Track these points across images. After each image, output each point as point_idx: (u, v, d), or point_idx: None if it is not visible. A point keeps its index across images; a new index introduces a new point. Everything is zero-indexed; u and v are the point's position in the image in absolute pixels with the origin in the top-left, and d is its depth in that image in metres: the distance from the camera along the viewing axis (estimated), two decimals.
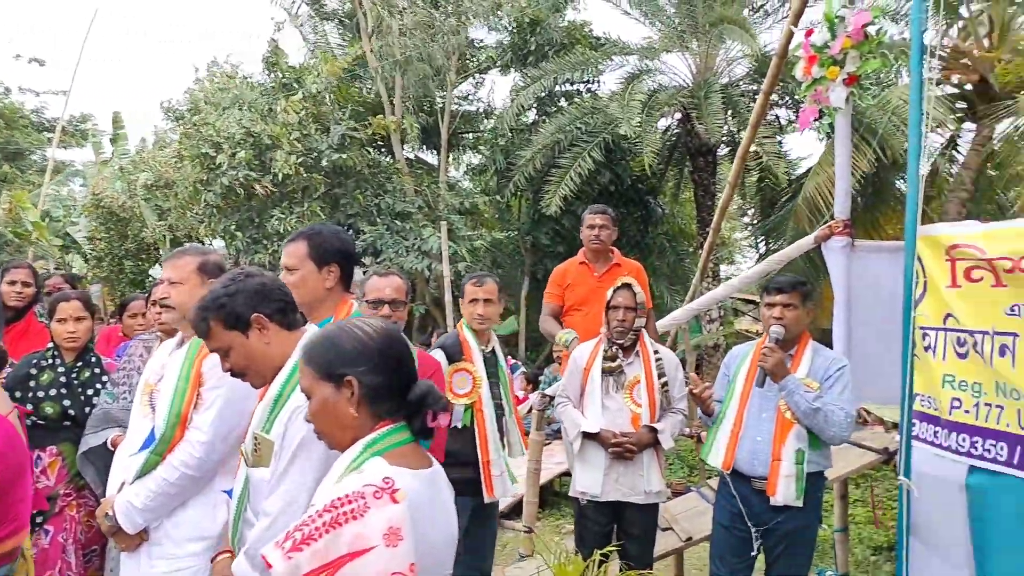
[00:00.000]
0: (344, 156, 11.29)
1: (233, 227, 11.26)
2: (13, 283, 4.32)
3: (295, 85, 12.49)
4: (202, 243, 13.15)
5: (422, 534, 1.48)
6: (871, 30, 4.50)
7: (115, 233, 14.36)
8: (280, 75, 12.97)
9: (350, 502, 1.41)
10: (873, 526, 5.85)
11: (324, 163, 11.30)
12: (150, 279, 14.78)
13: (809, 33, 4.84)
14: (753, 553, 3.34)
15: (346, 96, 12.90)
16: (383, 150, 13.85)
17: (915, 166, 2.93)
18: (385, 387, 1.61)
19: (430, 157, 15.75)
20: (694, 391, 3.46)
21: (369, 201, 11.94)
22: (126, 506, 2.44)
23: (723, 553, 3.46)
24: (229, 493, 2.18)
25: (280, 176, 10.85)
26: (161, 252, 13.84)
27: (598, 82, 14.14)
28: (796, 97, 13.10)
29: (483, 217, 14.12)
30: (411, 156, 14.65)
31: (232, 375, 2.07)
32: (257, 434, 2.00)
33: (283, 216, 10.99)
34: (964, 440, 2.95)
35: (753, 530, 3.31)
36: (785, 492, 3.20)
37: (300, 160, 10.98)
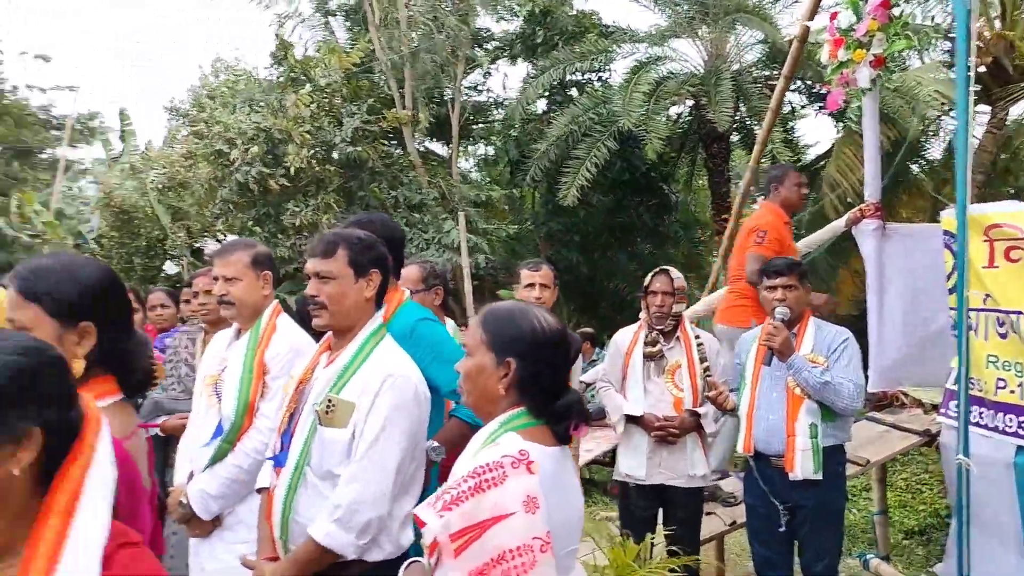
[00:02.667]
0: (358, 149, 11.29)
1: (251, 223, 11.27)
2: None
3: (303, 78, 12.50)
4: (219, 240, 13.21)
5: (554, 506, 1.53)
6: (896, 11, 4.51)
7: (125, 231, 14.39)
8: (288, 69, 12.96)
9: (490, 470, 1.48)
10: (905, 510, 5.88)
11: (336, 156, 11.31)
12: (162, 275, 14.82)
13: (834, 16, 4.85)
14: (781, 529, 3.38)
15: (356, 89, 12.91)
16: (394, 142, 13.86)
17: (963, 147, 2.93)
18: (539, 384, 1.65)
19: (439, 148, 15.75)
20: (709, 395, 3.53)
21: (385, 194, 11.94)
22: (200, 493, 2.49)
23: (758, 533, 3.53)
24: (274, 459, 2.22)
25: (293, 170, 10.85)
26: (170, 249, 13.85)
27: (609, 71, 14.12)
28: (807, 82, 13.10)
29: (496, 208, 14.13)
30: (421, 148, 14.64)
31: (310, 301, 2.16)
32: (332, 396, 2.08)
33: (298, 209, 11.00)
34: (1011, 420, 2.97)
35: (780, 507, 3.35)
36: (802, 466, 3.26)
37: (312, 153, 10.98)
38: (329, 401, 2.09)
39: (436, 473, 2.60)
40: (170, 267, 15.35)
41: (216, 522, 2.54)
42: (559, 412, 1.66)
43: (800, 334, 3.43)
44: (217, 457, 2.52)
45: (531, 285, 3.73)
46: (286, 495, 2.11)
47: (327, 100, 11.74)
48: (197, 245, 13.74)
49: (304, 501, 2.08)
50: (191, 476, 2.59)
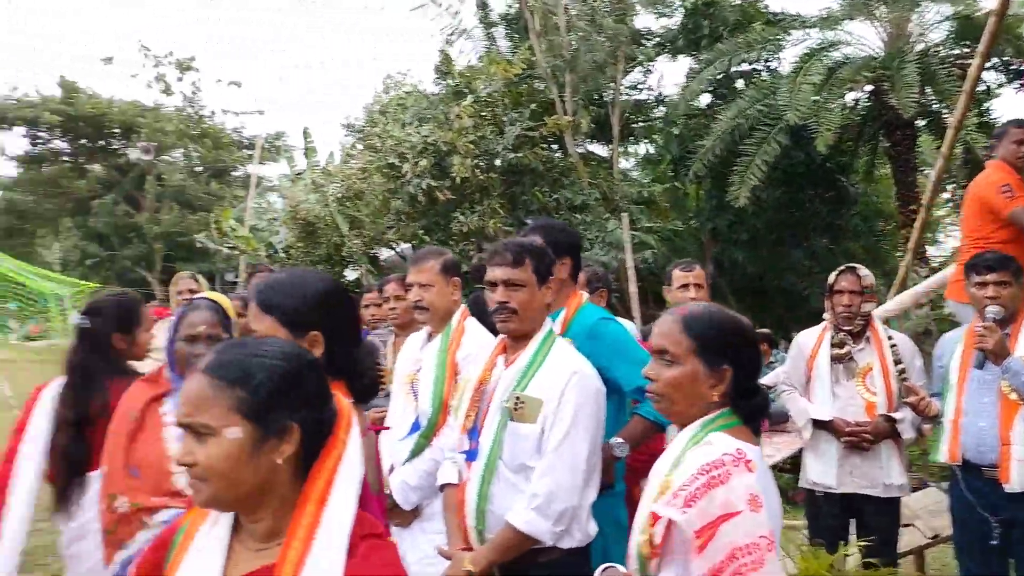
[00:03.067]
0: (519, 155, 11.54)
1: (421, 231, 11.81)
2: None
3: (466, 90, 12.92)
4: (393, 249, 13.94)
5: (767, 504, 1.53)
6: None
7: (310, 241, 15.46)
8: (452, 82, 13.45)
9: (715, 468, 1.49)
10: None
11: (499, 163, 11.60)
12: (342, 280, 15.81)
13: None
14: (994, 543, 3.10)
15: (517, 97, 13.19)
16: (555, 146, 14.04)
17: None
18: (743, 386, 1.65)
19: (599, 149, 15.78)
20: (909, 401, 3.31)
21: (547, 197, 12.13)
22: (402, 485, 2.68)
23: (966, 548, 3.28)
24: (468, 454, 2.32)
25: (458, 180, 11.23)
26: (347, 256, 14.69)
27: (778, 60, 13.53)
28: (1004, 58, 11.93)
29: (658, 206, 13.93)
30: (582, 150, 14.72)
31: (498, 308, 2.27)
32: (519, 394, 2.20)
33: (464, 217, 11.38)
34: None
35: (992, 520, 3.08)
36: (1019, 477, 3.00)
37: (475, 163, 11.32)
38: (517, 399, 2.21)
39: (622, 470, 2.63)
40: (349, 274, 16.38)
41: (415, 513, 2.72)
42: (753, 410, 1.65)
43: (1014, 335, 3.14)
44: (415, 451, 2.70)
45: (685, 286, 3.70)
46: (480, 487, 2.22)
47: (489, 110, 12.09)
48: (373, 253, 14.56)
49: (498, 493, 2.20)
50: (391, 469, 2.78)
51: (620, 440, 2.51)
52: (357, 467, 1.29)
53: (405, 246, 13.67)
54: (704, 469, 1.49)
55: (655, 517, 1.53)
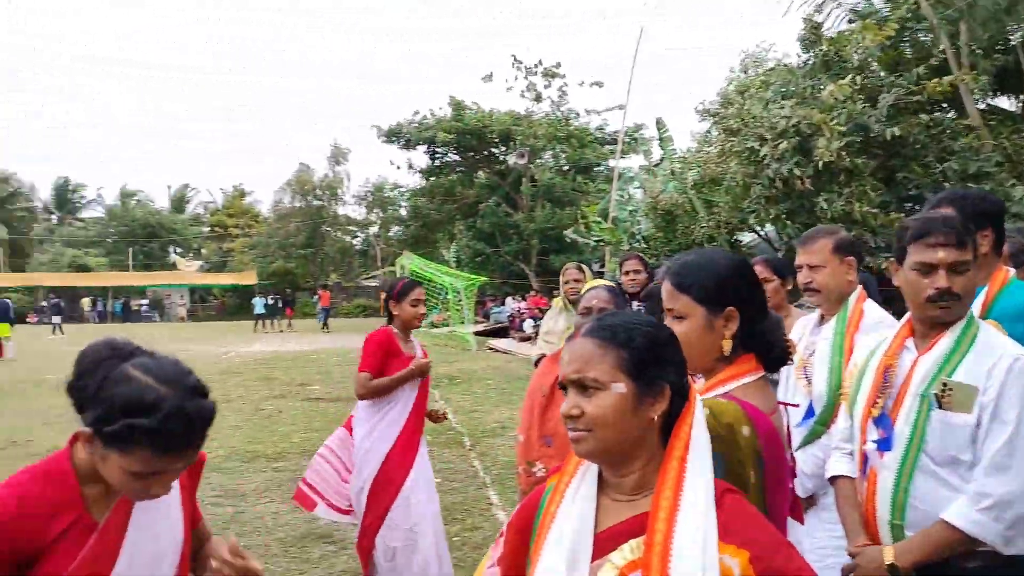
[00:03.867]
0: (894, 131, 10.33)
1: (784, 215, 11.23)
2: (627, 272, 5.04)
3: (836, 57, 11.89)
4: (757, 232, 13.50)
5: None
6: None
7: (668, 230, 15.61)
8: (821, 52, 12.50)
9: None
10: None
11: (873, 136, 10.50)
12: None
13: None
14: None
15: (892, 61, 11.83)
16: (946, 107, 12.32)
17: None
18: None
19: (1006, 103, 13.50)
20: None
21: (932, 169, 10.71)
22: (797, 472, 2.61)
23: None
24: (880, 444, 2.14)
25: (821, 164, 10.39)
26: (706, 244, 14.51)
27: None
28: None
29: None
30: (982, 107, 12.71)
31: (938, 295, 2.05)
32: (947, 380, 2.02)
33: (827, 204, 10.52)
34: None
35: None
36: None
37: (844, 144, 10.35)
38: (944, 385, 2.03)
39: None
40: None
41: (811, 500, 2.63)
42: None
43: None
44: (810, 438, 2.61)
45: None
46: (897, 479, 2.08)
47: (862, 77, 11.02)
48: (734, 238, 14.22)
49: (921, 486, 2.04)
50: None
51: None
52: (705, 432, 1.35)
53: (769, 229, 13.14)
54: None
55: None
